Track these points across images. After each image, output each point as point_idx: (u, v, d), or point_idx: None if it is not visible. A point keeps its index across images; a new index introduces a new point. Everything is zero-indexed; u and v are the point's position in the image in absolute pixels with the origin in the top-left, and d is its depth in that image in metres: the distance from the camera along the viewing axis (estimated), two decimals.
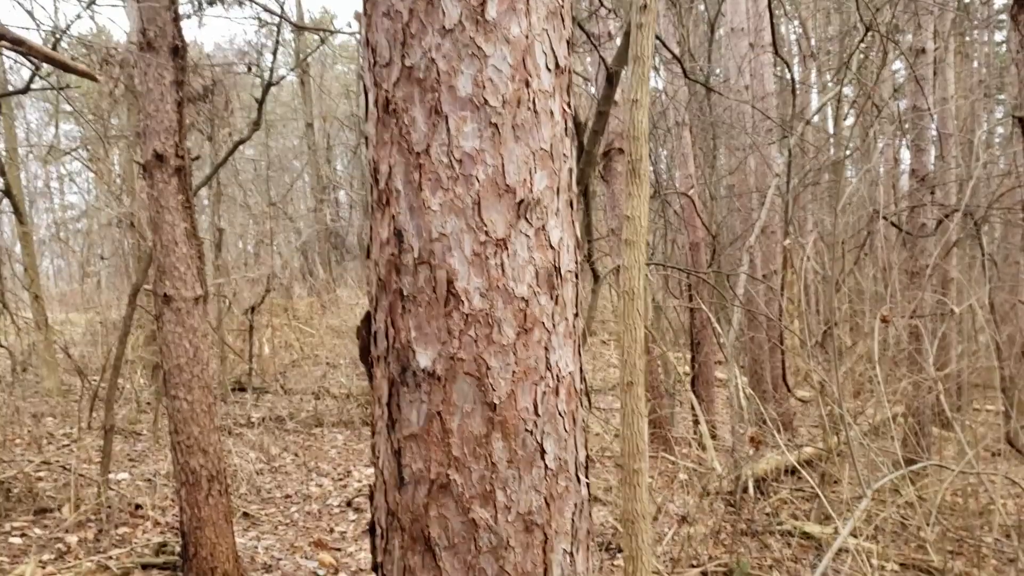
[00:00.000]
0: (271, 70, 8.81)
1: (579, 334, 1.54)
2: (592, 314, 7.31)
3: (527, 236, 1.44)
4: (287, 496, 8.42)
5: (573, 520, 1.50)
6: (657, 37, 9.09)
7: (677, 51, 10.04)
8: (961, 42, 16.30)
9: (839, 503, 6.44)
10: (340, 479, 9.08)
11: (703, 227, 10.41)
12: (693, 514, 6.46)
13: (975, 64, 19.18)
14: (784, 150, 9.36)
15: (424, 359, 1.42)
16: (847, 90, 13.56)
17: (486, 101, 1.42)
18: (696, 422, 9.24)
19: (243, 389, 12.85)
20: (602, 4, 8.55)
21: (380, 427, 1.51)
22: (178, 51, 5.74)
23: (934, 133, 9.60)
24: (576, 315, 1.53)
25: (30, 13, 10.64)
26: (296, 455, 9.97)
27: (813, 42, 17.37)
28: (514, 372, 1.42)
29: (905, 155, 14.14)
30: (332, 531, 7.33)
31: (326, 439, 10.89)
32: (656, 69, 12.93)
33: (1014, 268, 11.90)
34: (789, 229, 9.01)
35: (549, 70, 1.47)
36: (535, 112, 1.45)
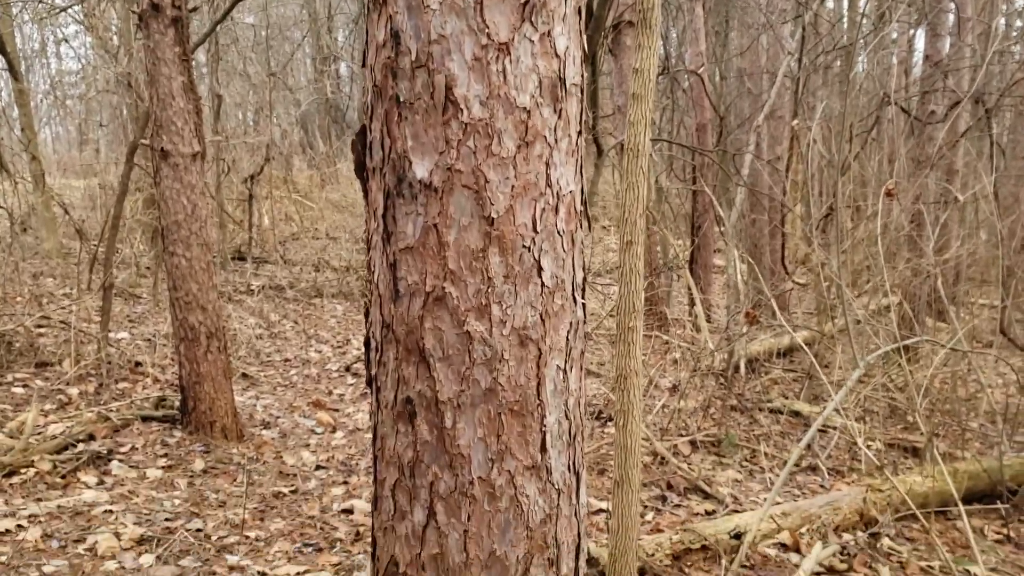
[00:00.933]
0: None
1: (582, 153, 1.50)
2: (594, 191, 7.24)
3: (531, 41, 1.38)
4: (286, 360, 8.55)
5: (568, 339, 1.49)
6: None
7: None
8: None
9: (830, 384, 6.53)
10: (339, 346, 9.21)
11: (711, 108, 10.21)
12: (684, 388, 6.57)
13: None
14: (798, 29, 9.08)
15: (421, 170, 1.38)
16: None
17: None
18: (692, 304, 9.30)
19: (243, 258, 12.89)
20: None
21: (375, 240, 1.48)
22: None
23: (952, 18, 9.30)
24: (580, 133, 1.48)
25: None
26: (296, 323, 10.07)
27: None
28: (513, 186, 1.39)
29: (920, 42, 13.73)
30: (331, 393, 7.48)
31: (326, 309, 10.99)
32: None
33: (1022, 162, 11.75)
34: (798, 110, 8.84)
35: None
36: None
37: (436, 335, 1.41)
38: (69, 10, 11.05)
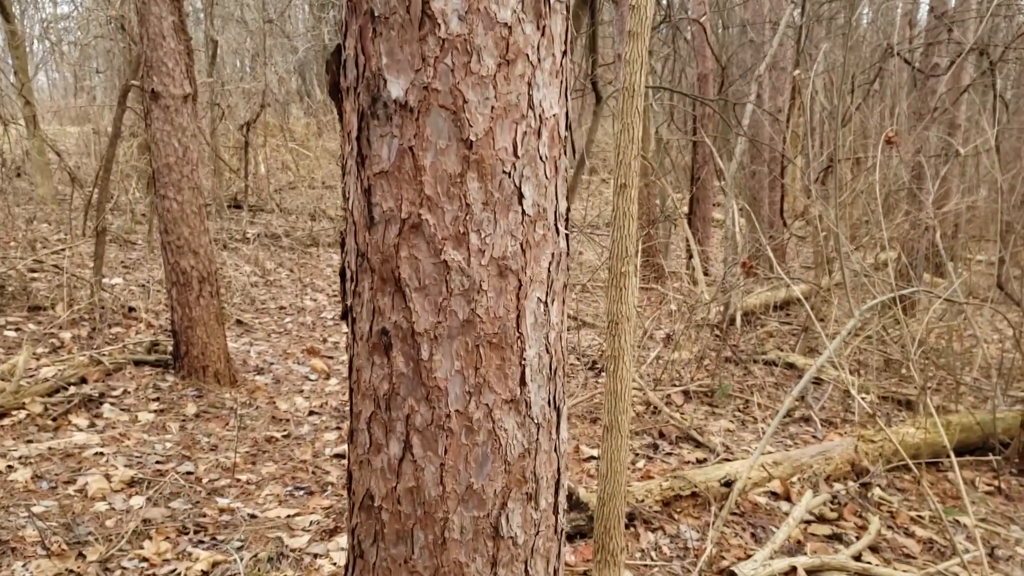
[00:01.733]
0: None
1: (567, 75, 1.43)
2: (592, 138, 7.15)
3: None
4: (281, 308, 8.51)
5: (549, 270, 1.43)
6: None
7: None
8: None
9: (825, 337, 6.51)
10: (335, 295, 9.16)
11: (713, 57, 10.05)
12: (679, 339, 6.54)
13: None
14: None
15: (396, 89, 1.32)
16: None
17: None
18: (689, 256, 9.25)
19: (239, 206, 12.79)
20: None
21: (350, 165, 1.42)
22: None
23: None
24: (565, 54, 1.41)
25: None
26: (291, 271, 10.02)
27: None
28: (493, 108, 1.32)
29: None
30: (325, 341, 7.45)
31: (321, 258, 10.93)
32: None
33: None
34: (800, 61, 8.69)
35: None
36: None
37: (412, 264, 1.35)
38: None
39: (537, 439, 1.47)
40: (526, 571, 1.49)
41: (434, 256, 1.35)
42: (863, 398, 5.99)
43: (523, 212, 1.38)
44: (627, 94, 3.01)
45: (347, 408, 5.67)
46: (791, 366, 6.74)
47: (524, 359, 1.42)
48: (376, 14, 1.32)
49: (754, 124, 8.87)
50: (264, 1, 16.17)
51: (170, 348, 5.93)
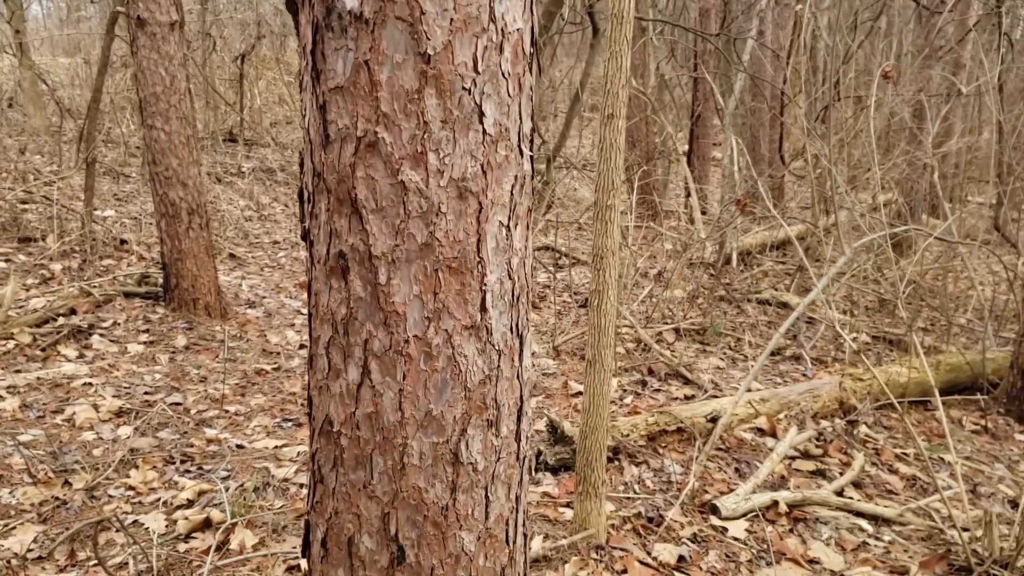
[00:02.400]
0: None
1: None
2: (589, 71, 7.01)
3: None
4: (275, 242, 8.47)
5: (512, 193, 1.39)
6: None
7: None
8: None
9: (819, 276, 6.47)
10: None
11: None
12: (672, 277, 6.51)
13: None
14: None
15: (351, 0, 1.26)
16: None
17: None
18: (688, 195, 9.17)
19: (234, 140, 12.65)
20: None
21: (306, 80, 1.37)
22: None
23: None
24: None
25: None
26: (286, 206, 9.96)
27: None
28: (452, 20, 1.26)
29: None
30: None
31: None
32: None
33: None
34: None
35: None
36: None
37: (369, 184, 1.31)
38: None
39: (498, 366, 1.44)
40: (486, 497, 1.48)
41: (391, 176, 1.31)
42: (853, 337, 5.99)
43: (484, 131, 1.33)
44: (615, 21, 2.92)
45: None
46: (785, 305, 6.72)
47: (485, 284, 1.39)
48: None
49: (756, 61, 8.71)
50: None
51: (161, 281, 5.91)
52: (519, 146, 1.39)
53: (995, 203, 8.19)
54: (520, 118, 1.39)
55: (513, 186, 1.39)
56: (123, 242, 7.20)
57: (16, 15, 11.70)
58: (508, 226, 1.40)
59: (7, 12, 11.70)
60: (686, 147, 10.87)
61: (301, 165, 1.44)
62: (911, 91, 7.63)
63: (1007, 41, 7.36)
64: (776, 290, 7.18)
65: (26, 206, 7.64)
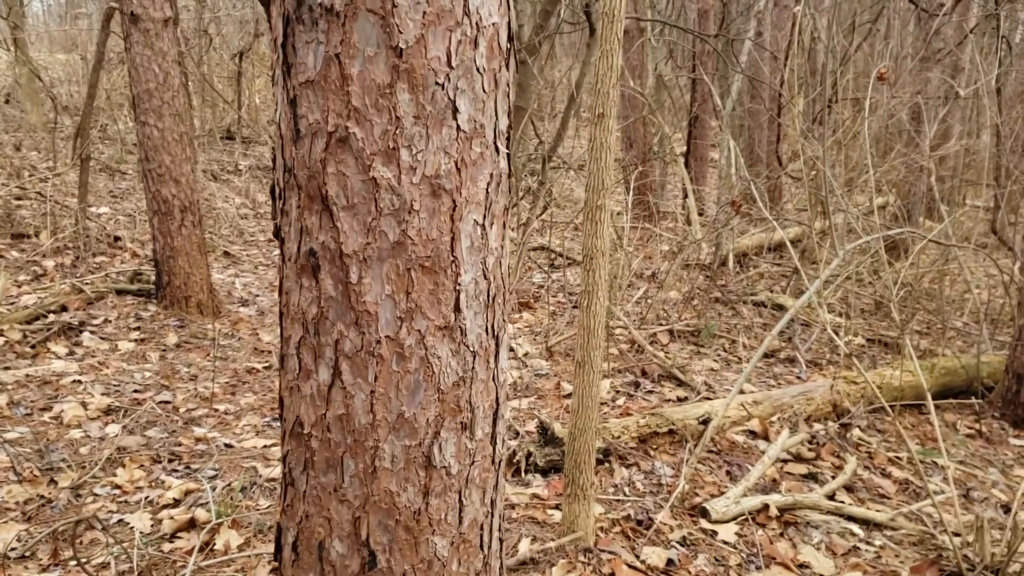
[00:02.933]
0: None
1: None
2: (586, 71, 6.99)
3: None
4: (270, 240, 8.44)
5: (488, 191, 1.36)
6: None
7: None
8: None
9: (813, 279, 6.44)
10: None
11: None
12: (664, 277, 6.48)
13: None
14: None
15: None
16: None
17: None
18: (685, 196, 9.14)
19: (231, 138, 12.63)
20: None
21: (277, 74, 1.34)
22: None
23: None
24: None
25: None
26: None
27: None
28: (425, 13, 1.23)
29: None
30: None
31: None
32: None
33: None
34: None
35: None
36: None
37: (339, 181, 1.28)
38: None
39: (473, 367, 1.41)
40: (460, 501, 1.45)
41: (362, 173, 1.28)
42: (847, 340, 5.96)
43: (458, 127, 1.30)
44: (606, 20, 2.89)
45: None
46: (780, 307, 6.69)
47: (459, 284, 1.36)
48: None
49: (754, 62, 8.69)
50: None
51: (153, 278, 5.88)
52: (495, 143, 1.36)
53: (992, 206, 8.18)
54: (496, 114, 1.36)
55: (489, 184, 1.37)
56: (117, 239, 7.17)
57: (14, 11, 11.68)
58: (483, 225, 1.37)
59: (4, 8, 11.68)
60: (684, 148, 10.84)
61: (274, 161, 1.42)
62: (909, 93, 7.60)
63: (1006, 44, 7.33)
64: (772, 292, 7.15)
65: (20, 202, 7.61)
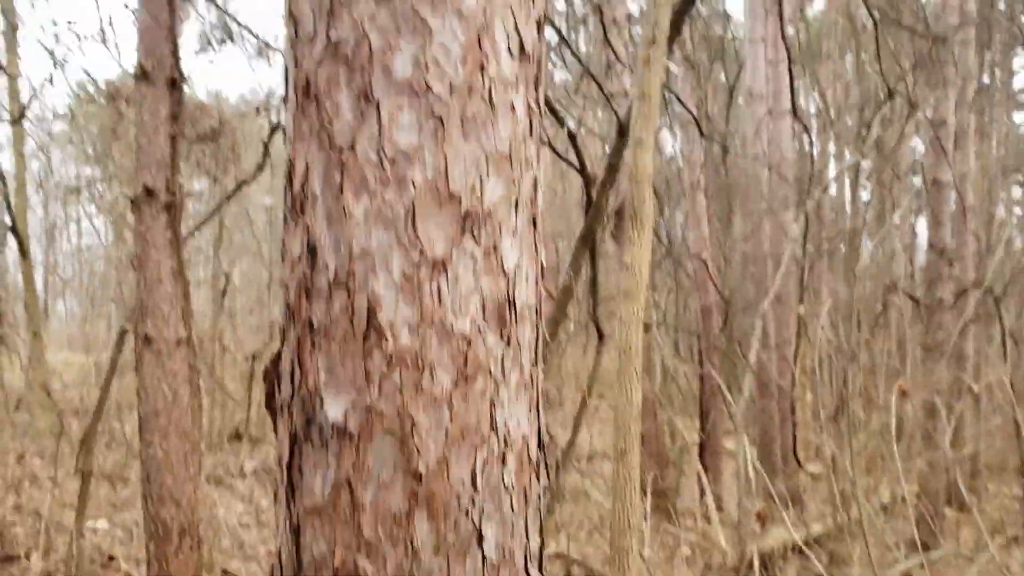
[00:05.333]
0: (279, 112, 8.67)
1: (539, 387, 1.23)
2: (595, 375, 6.98)
3: (473, 258, 1.14)
4: (271, 551, 8.02)
5: None
6: (673, 94, 8.90)
7: (695, 113, 9.84)
8: (980, 120, 15.98)
9: None
10: None
11: (716, 291, 10.10)
12: None
13: (993, 143, 18.78)
14: (800, 215, 9.08)
15: (334, 410, 1.11)
16: (865, 162, 13.28)
17: (428, 87, 1.13)
18: (703, 493, 8.81)
19: (239, 438, 12.50)
20: (618, 59, 8.37)
21: (280, 495, 1.19)
22: (175, 84, 5.54)
23: (953, 206, 9.32)
24: (535, 363, 1.22)
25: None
26: None
27: (832, 112, 17.09)
28: (448, 432, 1.11)
29: (922, 229, 13.86)
30: None
31: None
32: (672, 131, 12.78)
33: None
34: (804, 296, 8.71)
35: (512, 54, 1.18)
36: (491, 104, 1.16)
37: None
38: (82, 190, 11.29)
39: None
40: None
41: None
42: None
43: (483, 556, 1.13)
44: (624, 357, 2.83)
45: None
46: None
47: None
48: (315, 324, 1.14)
49: (761, 359, 8.74)
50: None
51: None
52: (525, 568, 1.19)
53: (1021, 496, 7.88)
54: (526, 535, 1.19)
55: None
56: (111, 558, 6.79)
57: (34, 319, 12.07)
58: None
59: (27, 317, 12.08)
60: (695, 437, 10.64)
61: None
62: (921, 392, 7.58)
63: (1012, 341, 7.42)
64: None
65: (15, 519, 7.32)
